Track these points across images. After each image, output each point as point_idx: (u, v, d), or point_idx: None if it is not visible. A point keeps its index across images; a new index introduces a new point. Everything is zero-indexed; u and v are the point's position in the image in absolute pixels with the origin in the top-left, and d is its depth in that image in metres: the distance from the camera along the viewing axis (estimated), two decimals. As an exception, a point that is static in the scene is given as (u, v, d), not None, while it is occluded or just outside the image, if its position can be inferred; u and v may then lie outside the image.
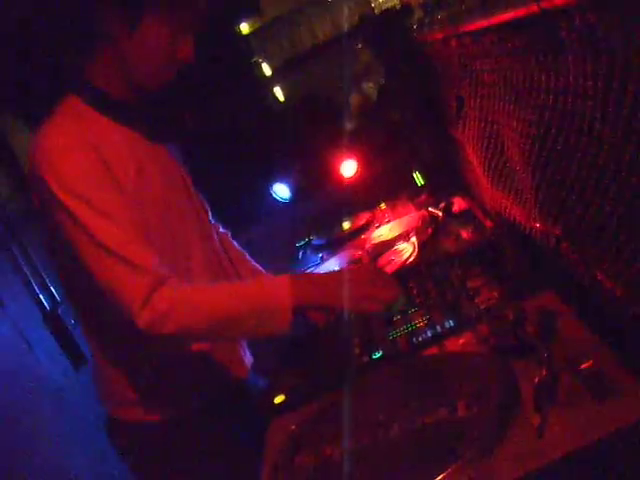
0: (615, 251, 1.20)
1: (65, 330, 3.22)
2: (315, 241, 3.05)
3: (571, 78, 1.16)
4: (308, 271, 2.69)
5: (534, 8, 1.08)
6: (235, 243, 2.23)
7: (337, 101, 3.81)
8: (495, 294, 1.72)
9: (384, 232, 2.71)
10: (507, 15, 1.26)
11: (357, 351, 1.81)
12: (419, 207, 2.79)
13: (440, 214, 2.47)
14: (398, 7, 3.13)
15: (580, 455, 1.11)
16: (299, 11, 4.32)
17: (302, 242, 3.10)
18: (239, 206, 3.56)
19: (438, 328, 1.72)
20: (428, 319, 1.78)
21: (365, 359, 1.76)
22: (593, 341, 1.36)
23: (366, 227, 2.92)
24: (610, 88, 1.02)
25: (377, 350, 1.77)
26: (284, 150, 3.74)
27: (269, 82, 4.30)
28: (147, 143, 1.76)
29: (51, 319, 3.20)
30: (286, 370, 1.94)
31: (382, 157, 3.40)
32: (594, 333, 1.39)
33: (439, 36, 2.04)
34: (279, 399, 1.79)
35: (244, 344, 2.02)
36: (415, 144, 3.17)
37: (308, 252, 2.99)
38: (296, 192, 3.50)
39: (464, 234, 2.22)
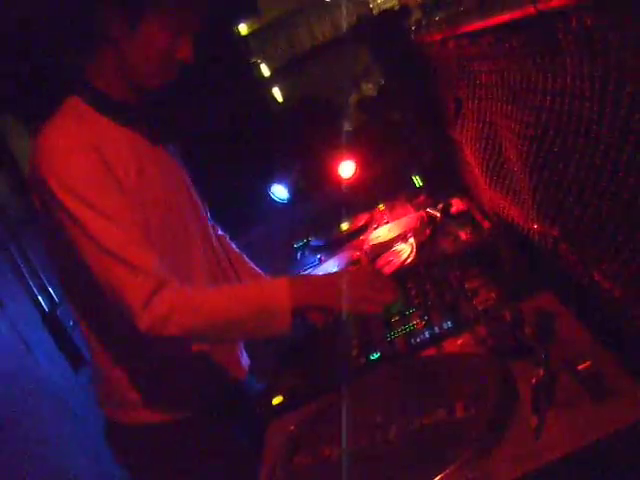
0: (613, 252, 1.20)
1: (64, 331, 3.22)
2: (313, 242, 3.05)
3: (568, 79, 1.16)
4: (306, 272, 2.69)
5: (531, 10, 1.08)
6: (233, 245, 2.23)
7: (336, 102, 3.81)
8: (493, 295, 1.72)
9: (382, 233, 2.71)
10: (504, 16, 1.27)
11: (355, 352, 1.81)
12: (417, 208, 2.79)
13: (438, 215, 2.47)
14: (396, 8, 3.13)
15: (578, 456, 1.11)
16: (298, 12, 4.31)
17: (300, 243, 3.10)
18: (237, 207, 3.56)
19: (436, 329, 1.72)
20: (426, 320, 1.78)
21: (363, 360, 1.76)
22: (591, 342, 1.36)
23: (364, 228, 2.92)
24: (607, 89, 1.02)
25: (375, 351, 1.77)
26: (282, 151, 3.73)
27: (268, 83, 4.29)
28: (147, 144, 1.76)
29: (50, 320, 3.20)
30: (285, 371, 1.94)
31: (380, 158, 3.40)
32: (592, 334, 1.39)
33: (437, 37, 2.04)
34: (277, 400, 1.79)
35: (241, 346, 2.02)
36: (414, 145, 3.17)
37: (306, 253, 2.99)
38: (294, 193, 3.50)
39: (462, 235, 2.23)
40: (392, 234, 2.61)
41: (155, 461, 1.84)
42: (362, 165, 3.26)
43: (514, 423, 1.23)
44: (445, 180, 2.86)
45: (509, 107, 1.59)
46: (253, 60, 4.25)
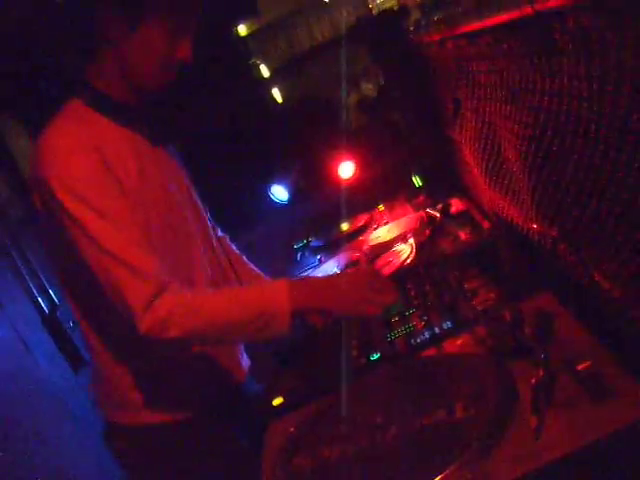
0: (612, 252, 1.20)
1: (64, 332, 3.22)
2: (313, 243, 3.05)
3: (566, 80, 1.16)
4: (306, 273, 2.69)
5: (528, 10, 1.08)
6: (233, 246, 2.23)
7: (335, 102, 3.81)
8: (492, 295, 1.72)
9: (382, 234, 2.71)
10: (502, 17, 1.27)
11: (355, 352, 1.81)
12: (417, 208, 2.79)
13: (438, 215, 2.47)
14: (396, 8, 3.13)
15: (578, 456, 1.11)
16: (297, 13, 4.31)
17: (300, 244, 3.11)
18: (237, 208, 3.56)
19: (436, 329, 1.72)
20: (426, 320, 1.78)
21: (363, 360, 1.76)
22: (591, 342, 1.36)
23: (364, 229, 2.92)
24: (605, 89, 1.02)
25: (375, 351, 1.77)
26: (282, 151, 3.73)
27: (267, 83, 4.29)
28: (148, 144, 1.76)
29: (49, 321, 3.20)
30: (285, 372, 1.94)
31: (380, 159, 3.40)
32: (592, 334, 1.39)
33: (435, 38, 2.04)
34: (277, 401, 1.79)
35: (241, 347, 2.02)
36: (413, 145, 3.17)
37: (306, 254, 2.99)
38: (294, 194, 3.50)
39: (462, 235, 2.23)
40: (392, 234, 2.61)
41: (155, 462, 1.84)
42: (362, 165, 3.26)
43: (514, 423, 1.23)
44: (444, 180, 2.86)
45: (508, 107, 1.60)
46: (252, 61, 4.25)
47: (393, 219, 2.84)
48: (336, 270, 2.51)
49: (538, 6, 1.06)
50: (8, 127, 3.36)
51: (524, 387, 1.29)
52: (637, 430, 1.11)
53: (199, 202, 1.98)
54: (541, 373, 1.27)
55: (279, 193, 3.51)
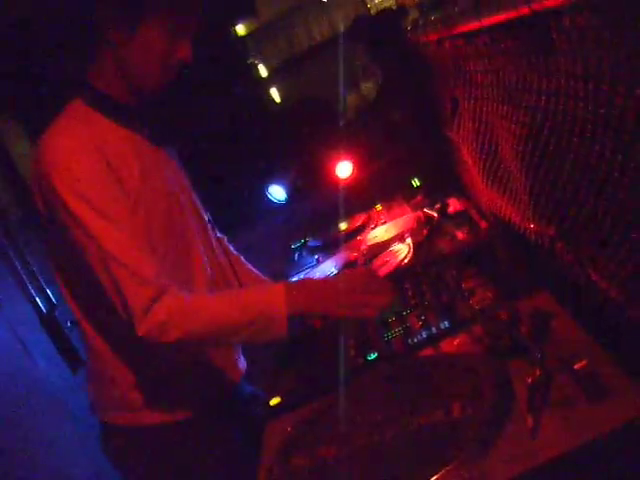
0: (609, 251, 1.20)
1: (62, 332, 3.22)
2: (311, 243, 3.05)
3: (562, 79, 1.16)
4: (304, 273, 2.69)
5: (525, 10, 1.08)
6: (232, 247, 2.23)
7: (333, 102, 3.81)
8: (490, 295, 1.72)
9: (379, 233, 2.71)
10: (499, 17, 1.27)
11: (353, 352, 1.81)
12: (415, 208, 2.79)
13: (435, 215, 2.47)
14: (394, 7, 3.14)
15: (574, 456, 1.11)
16: (295, 12, 4.31)
17: (298, 244, 3.11)
18: (235, 207, 3.56)
19: (433, 329, 1.72)
20: (423, 320, 1.78)
21: (361, 360, 1.76)
22: (587, 341, 1.36)
23: (362, 228, 2.92)
24: (601, 89, 1.02)
25: (373, 351, 1.77)
26: (280, 151, 3.73)
27: (265, 83, 4.30)
28: (148, 145, 1.77)
29: (48, 321, 3.20)
30: (283, 372, 1.94)
31: (378, 158, 3.40)
32: (588, 334, 1.39)
33: (433, 37, 2.04)
34: (275, 401, 1.79)
35: (239, 349, 2.03)
36: (411, 145, 3.17)
37: (304, 254, 2.99)
38: (292, 193, 3.50)
39: (459, 235, 2.23)
40: (389, 234, 2.61)
41: (153, 462, 1.84)
42: (359, 165, 3.26)
43: (510, 422, 1.23)
44: (442, 180, 2.86)
45: (504, 106, 1.60)
46: (251, 60, 4.26)
47: (391, 219, 2.84)
48: (334, 270, 2.51)
49: (535, 6, 1.06)
50: (7, 128, 3.36)
51: (521, 386, 1.29)
52: (633, 429, 1.11)
53: (198, 203, 1.98)
54: (538, 372, 1.27)
55: (277, 193, 3.50)
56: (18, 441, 2.69)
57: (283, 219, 3.59)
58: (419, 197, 2.90)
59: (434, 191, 2.82)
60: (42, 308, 3.23)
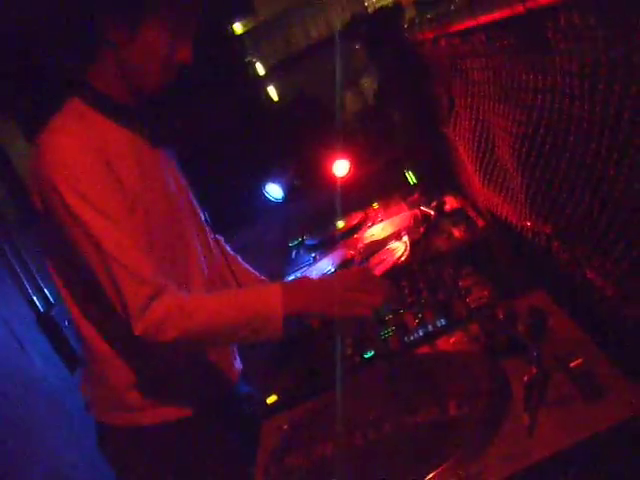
0: (605, 249, 1.20)
1: (59, 332, 3.22)
2: (308, 241, 3.05)
3: (558, 77, 1.16)
4: (301, 271, 2.69)
5: (519, 8, 1.08)
6: (228, 247, 2.23)
7: (330, 101, 3.81)
8: (486, 293, 1.72)
9: (376, 231, 2.71)
10: (494, 15, 1.27)
11: (349, 351, 1.81)
12: (411, 206, 2.79)
13: (432, 213, 2.47)
14: (391, 6, 3.13)
15: (570, 454, 1.11)
16: (293, 11, 4.31)
17: (295, 242, 3.11)
18: (232, 206, 3.56)
19: (430, 327, 1.72)
20: (420, 318, 1.78)
21: (357, 358, 1.76)
22: (583, 340, 1.36)
23: (359, 227, 2.92)
24: (596, 88, 1.02)
25: (369, 349, 1.77)
26: (277, 150, 3.73)
27: (263, 81, 4.29)
28: (147, 145, 1.76)
29: (45, 321, 3.20)
30: (279, 370, 1.94)
31: (375, 157, 3.40)
32: (585, 332, 1.39)
33: (429, 36, 2.04)
34: (272, 399, 1.79)
35: (234, 348, 2.03)
36: (408, 143, 3.17)
37: (301, 252, 2.99)
38: (289, 192, 3.50)
39: (456, 233, 2.22)
40: (386, 232, 2.61)
41: (150, 463, 1.84)
42: (356, 163, 3.26)
43: (507, 421, 1.23)
44: (439, 178, 2.86)
45: (501, 105, 1.60)
46: (248, 59, 4.25)
47: (387, 217, 2.84)
48: (330, 268, 2.51)
49: (529, 4, 1.06)
50: (5, 128, 3.35)
51: (517, 385, 1.29)
52: (629, 428, 1.12)
53: (195, 203, 1.99)
54: (534, 371, 1.27)
55: (274, 191, 3.50)
56: (14, 441, 2.68)
57: (280, 217, 3.59)
58: (416, 195, 2.90)
59: (431, 189, 2.82)
60: (39, 307, 3.23)
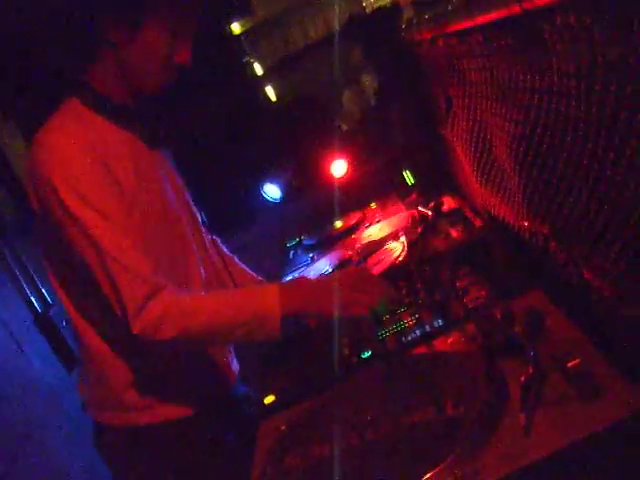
0: (603, 250, 1.20)
1: (57, 332, 3.22)
2: (306, 241, 3.05)
3: (555, 78, 1.16)
4: (298, 271, 2.69)
5: (516, 9, 1.08)
6: (225, 248, 2.23)
7: (329, 101, 3.81)
8: (484, 293, 1.72)
9: (374, 232, 2.71)
10: (491, 15, 1.27)
11: (346, 351, 1.81)
12: (409, 206, 2.79)
13: (430, 213, 2.47)
14: (389, 6, 3.13)
15: (567, 454, 1.12)
16: (291, 11, 4.30)
17: (293, 242, 3.11)
18: (230, 207, 3.56)
19: (427, 327, 1.72)
20: (417, 318, 1.79)
21: (355, 358, 1.76)
22: (581, 340, 1.37)
23: (356, 227, 2.92)
24: (593, 88, 1.02)
25: (366, 350, 1.77)
26: (275, 150, 3.73)
27: (261, 82, 4.29)
28: (144, 146, 1.77)
29: (43, 321, 3.20)
30: (277, 371, 1.94)
31: (373, 157, 3.40)
32: (582, 332, 1.39)
33: (427, 36, 2.04)
34: (269, 400, 1.79)
35: (232, 349, 2.03)
36: (406, 143, 3.17)
37: (299, 252, 2.99)
38: (287, 192, 3.50)
39: (454, 233, 2.22)
40: (383, 233, 2.61)
41: (147, 463, 1.84)
42: (354, 164, 3.26)
43: (503, 421, 1.23)
44: (437, 178, 2.86)
45: (498, 105, 1.60)
46: (246, 59, 4.24)
47: (385, 217, 2.84)
48: (328, 268, 2.51)
49: (526, 4, 1.06)
50: (4, 128, 3.35)
51: (514, 385, 1.29)
52: (626, 428, 1.12)
53: (192, 204, 1.99)
54: (531, 371, 1.27)
55: (272, 192, 3.50)
56: (13, 441, 2.68)
57: (278, 218, 3.58)
58: (413, 195, 2.90)
59: (429, 189, 2.82)
60: (37, 308, 3.22)
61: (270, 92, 4.24)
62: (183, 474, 1.84)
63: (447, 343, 1.62)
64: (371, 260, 2.37)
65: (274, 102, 4.21)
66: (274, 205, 3.53)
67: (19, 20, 1.77)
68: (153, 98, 1.76)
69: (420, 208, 2.57)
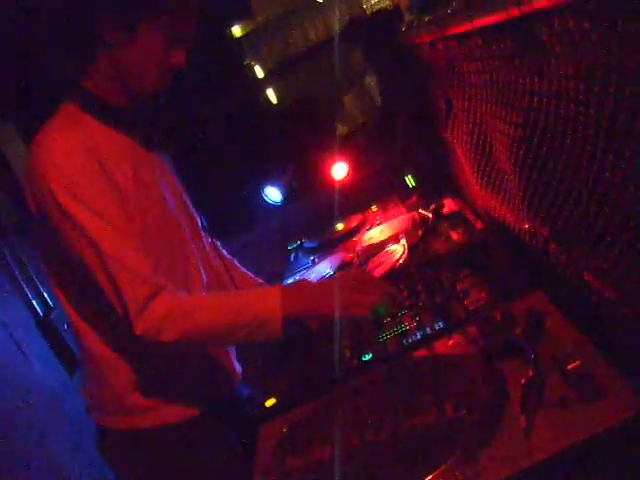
0: (602, 251, 1.20)
1: (58, 335, 3.22)
2: (307, 244, 3.05)
3: (554, 81, 1.16)
4: (299, 274, 2.69)
5: (515, 12, 1.08)
6: (225, 251, 2.23)
7: (329, 103, 3.81)
8: (484, 295, 1.72)
9: (375, 234, 2.71)
10: (489, 19, 1.27)
11: (347, 353, 1.82)
12: (410, 209, 2.79)
13: (430, 216, 2.47)
14: (390, 8, 3.13)
15: (567, 456, 1.12)
16: (291, 13, 4.31)
17: (294, 245, 3.11)
18: (231, 209, 3.56)
19: (427, 330, 1.73)
20: (418, 321, 1.79)
21: (355, 361, 1.77)
22: (581, 341, 1.37)
23: (357, 229, 2.92)
24: (591, 90, 1.02)
25: (367, 352, 1.77)
26: (276, 153, 3.73)
27: (262, 84, 4.29)
28: (142, 149, 1.77)
29: (44, 324, 3.20)
30: (278, 373, 1.94)
31: (373, 159, 3.40)
32: (582, 334, 1.39)
33: (426, 39, 2.05)
34: (270, 402, 1.79)
35: (234, 351, 2.03)
36: (406, 146, 3.17)
37: (300, 255, 2.99)
38: (288, 195, 3.50)
39: (454, 235, 2.23)
40: (384, 235, 2.61)
41: (150, 466, 1.84)
42: (355, 166, 3.26)
43: (504, 423, 1.24)
44: (438, 181, 2.86)
45: (498, 107, 1.60)
46: (247, 62, 4.25)
47: (386, 220, 2.85)
48: (329, 271, 2.51)
49: (524, 8, 1.06)
50: (3, 131, 3.35)
51: (514, 387, 1.29)
52: (626, 429, 1.12)
53: (191, 207, 1.99)
54: (531, 373, 1.27)
55: (273, 194, 3.51)
56: (15, 445, 2.68)
57: (279, 220, 3.59)
58: (414, 198, 2.90)
59: (429, 192, 2.82)
60: (38, 311, 3.22)
61: (271, 95, 4.25)
62: (186, 476, 1.84)
63: (448, 345, 1.63)
64: (372, 263, 2.37)
65: (275, 105, 4.22)
66: (275, 208, 3.53)
67: (19, 20, 1.77)
68: (153, 101, 1.76)
69: (421, 210, 2.57)
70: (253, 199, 3.53)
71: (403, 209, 2.87)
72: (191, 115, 3.52)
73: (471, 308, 1.70)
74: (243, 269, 2.24)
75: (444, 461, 1.18)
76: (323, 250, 2.87)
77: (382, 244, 2.50)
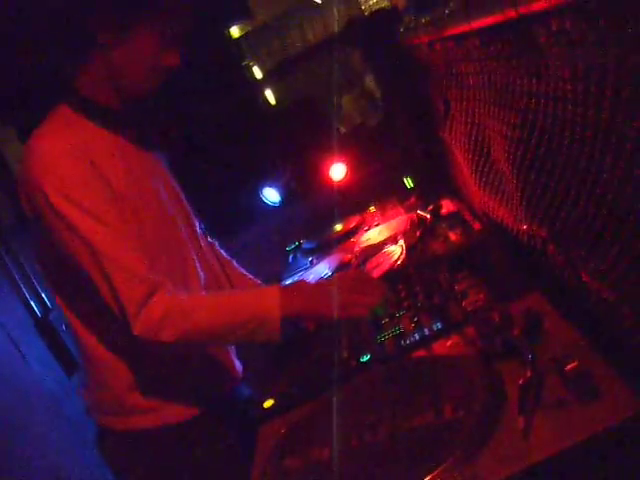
0: (601, 252, 1.20)
1: (57, 336, 3.22)
2: (305, 245, 3.05)
3: (551, 82, 1.16)
4: (298, 275, 2.69)
5: (512, 13, 1.08)
6: (222, 252, 2.23)
7: (328, 104, 3.81)
8: (482, 296, 1.72)
9: (373, 235, 2.71)
10: (487, 20, 1.27)
11: (346, 354, 1.81)
12: (408, 210, 2.79)
13: (428, 217, 2.47)
14: (388, 8, 3.14)
15: (566, 457, 1.11)
16: (289, 14, 4.31)
17: (292, 246, 3.11)
18: (229, 210, 3.56)
19: (426, 331, 1.72)
20: (416, 322, 1.78)
21: (353, 362, 1.76)
22: (579, 342, 1.37)
23: (355, 230, 2.92)
24: (589, 91, 1.02)
25: (365, 353, 1.77)
26: (274, 154, 3.74)
27: (260, 85, 4.29)
28: (136, 150, 1.77)
29: (43, 325, 3.20)
30: (276, 374, 1.94)
31: (372, 160, 3.40)
32: (580, 334, 1.39)
33: (424, 40, 2.05)
34: (269, 403, 1.79)
35: (234, 350, 2.03)
36: (405, 147, 3.17)
37: (298, 256, 2.99)
38: (286, 195, 3.50)
39: (452, 236, 2.23)
40: (382, 236, 2.61)
41: (150, 466, 1.84)
42: (353, 167, 3.26)
43: (502, 424, 1.23)
44: (436, 181, 2.86)
45: (495, 108, 1.60)
46: (245, 62, 4.25)
47: (384, 221, 2.85)
48: (327, 272, 2.51)
49: (522, 9, 1.06)
50: (1, 132, 3.35)
51: (512, 388, 1.29)
52: (625, 430, 1.12)
53: (189, 208, 1.99)
54: (529, 374, 1.27)
55: (271, 195, 3.51)
56: (14, 446, 2.68)
57: (277, 221, 3.59)
58: (412, 199, 2.90)
59: (427, 193, 2.82)
60: (37, 312, 3.22)
61: (269, 95, 4.25)
62: (184, 476, 1.84)
63: (446, 346, 1.63)
64: (370, 263, 2.37)
65: (273, 105, 4.22)
66: (273, 209, 3.53)
67: (13, 20, 1.77)
68: (147, 101, 1.76)
69: (419, 211, 2.57)
70: (252, 200, 3.53)
71: (401, 210, 2.87)
72: (189, 115, 3.52)
73: (469, 309, 1.69)
74: (241, 270, 2.24)
75: (442, 462, 1.18)
76: (321, 251, 2.87)
77: (380, 245, 2.50)
